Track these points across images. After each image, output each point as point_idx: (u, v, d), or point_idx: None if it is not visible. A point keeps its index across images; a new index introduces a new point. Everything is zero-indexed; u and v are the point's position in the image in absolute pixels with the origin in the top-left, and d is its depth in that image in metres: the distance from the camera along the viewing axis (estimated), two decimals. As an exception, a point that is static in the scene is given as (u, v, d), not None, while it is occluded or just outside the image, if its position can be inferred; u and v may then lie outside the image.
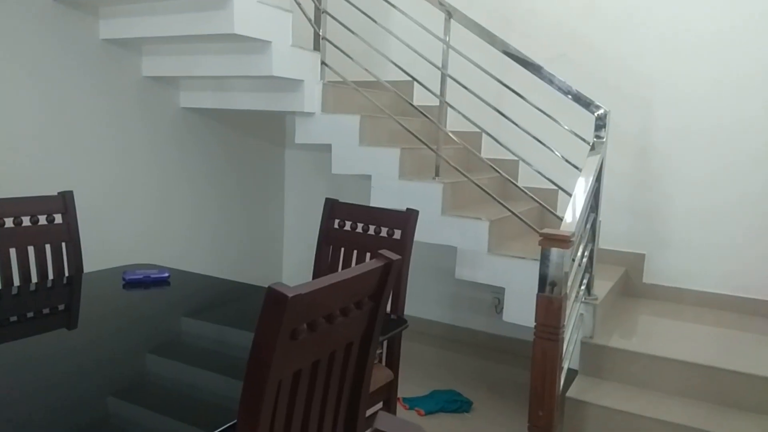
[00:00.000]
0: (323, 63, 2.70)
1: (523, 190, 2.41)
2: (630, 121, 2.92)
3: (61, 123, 2.47)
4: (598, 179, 2.20)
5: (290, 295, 0.84)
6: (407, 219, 1.91)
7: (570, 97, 2.25)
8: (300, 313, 0.90)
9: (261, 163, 3.64)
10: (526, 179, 3.07)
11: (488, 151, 3.17)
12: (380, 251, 1.18)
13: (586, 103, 2.19)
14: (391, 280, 1.18)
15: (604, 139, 2.19)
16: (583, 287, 2.22)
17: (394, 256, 1.17)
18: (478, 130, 2.69)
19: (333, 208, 2.10)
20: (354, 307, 1.09)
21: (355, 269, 1.07)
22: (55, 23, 2.39)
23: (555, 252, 1.71)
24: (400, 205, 2.52)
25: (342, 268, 2.07)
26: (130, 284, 1.77)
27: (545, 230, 1.72)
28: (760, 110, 2.67)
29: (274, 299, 0.84)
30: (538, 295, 1.74)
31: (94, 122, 2.61)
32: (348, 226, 2.07)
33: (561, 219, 1.93)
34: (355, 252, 2.03)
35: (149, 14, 2.40)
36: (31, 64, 2.33)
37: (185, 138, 3.09)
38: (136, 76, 2.78)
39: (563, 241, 1.69)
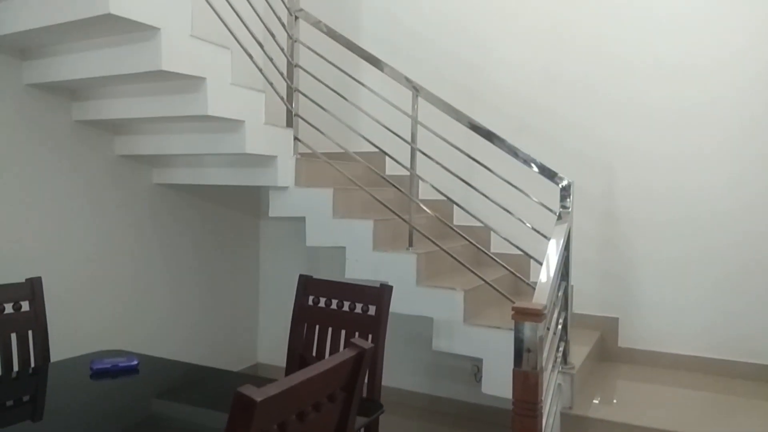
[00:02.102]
0: (296, 138, 2.76)
1: (494, 259, 2.44)
2: (594, 185, 3.02)
3: (31, 205, 2.45)
4: (567, 247, 2.25)
5: (258, 399, 0.83)
6: (381, 295, 1.91)
7: (535, 169, 2.33)
8: (270, 414, 0.89)
9: (235, 236, 3.63)
10: (498, 244, 3.12)
11: (461, 217, 3.23)
12: (352, 340, 1.18)
13: (550, 175, 2.27)
14: (364, 369, 1.17)
15: (570, 209, 2.26)
16: (559, 356, 2.22)
17: (366, 345, 1.17)
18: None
19: (307, 285, 2.10)
20: (327, 400, 1.07)
21: (326, 362, 1.06)
22: (27, 106, 2.42)
23: (528, 325, 1.73)
24: (375, 277, 2.53)
25: (317, 347, 2.05)
26: (98, 374, 1.72)
27: (517, 304, 1.74)
28: (718, 171, 2.79)
29: (242, 404, 0.83)
30: (514, 370, 1.74)
31: (65, 203, 2.60)
32: (322, 302, 2.07)
33: (533, 287, 1.96)
34: (330, 329, 2.01)
35: (123, 96, 2.45)
36: (2, 145, 2.34)
37: (158, 214, 3.08)
38: (110, 155, 2.80)
39: (536, 315, 1.71)
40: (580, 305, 3.02)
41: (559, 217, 2.25)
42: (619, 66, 2.97)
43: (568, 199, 2.26)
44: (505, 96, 3.21)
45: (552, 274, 1.97)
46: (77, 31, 2.06)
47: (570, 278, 2.35)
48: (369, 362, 1.18)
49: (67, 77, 2.27)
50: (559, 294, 2.27)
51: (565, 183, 2.26)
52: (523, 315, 1.73)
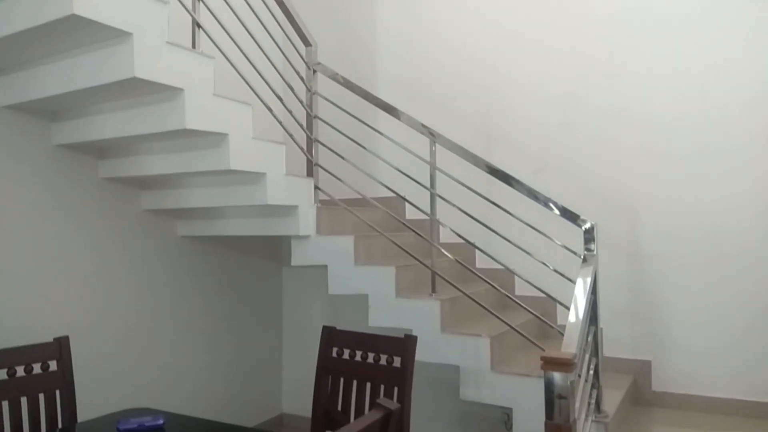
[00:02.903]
0: (316, 187, 2.79)
1: (519, 304, 2.40)
2: (617, 225, 2.98)
3: (60, 262, 2.50)
4: (594, 291, 2.21)
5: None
6: (406, 346, 1.89)
7: (556, 211, 2.32)
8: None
9: (258, 284, 3.64)
10: (523, 286, 3.07)
11: (484, 259, 3.20)
12: (378, 400, 1.16)
13: (572, 218, 2.26)
14: (391, 430, 1.15)
15: (595, 252, 2.23)
16: (592, 403, 2.15)
17: (393, 405, 1.15)
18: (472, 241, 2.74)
19: (331, 336, 2.09)
20: (355, 466, 1.05)
21: (353, 426, 1.05)
22: (56, 165, 2.50)
23: (558, 375, 1.68)
24: (399, 324, 2.50)
25: (342, 401, 2.02)
26: (124, 434, 1.71)
27: (546, 354, 1.70)
28: (745, 210, 2.74)
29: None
30: (546, 422, 1.69)
31: (93, 259, 2.64)
32: (346, 353, 2.05)
33: (561, 332, 1.92)
34: (355, 382, 1.99)
35: (149, 154, 2.51)
36: (29, 204, 2.41)
37: (183, 265, 3.12)
38: (136, 210, 2.86)
39: (566, 365, 1.67)
40: (610, 348, 2.94)
41: (584, 260, 2.21)
42: (641, 111, 2.96)
43: (592, 242, 2.23)
44: (523, 137, 3.23)
45: (580, 319, 1.93)
46: (104, 94, 2.13)
47: (599, 321, 2.30)
48: (396, 423, 1.16)
49: (95, 137, 2.34)
50: (589, 339, 2.22)
51: (588, 226, 2.23)
52: (552, 365, 1.68)
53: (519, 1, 3.26)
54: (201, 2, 2.24)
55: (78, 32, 1.86)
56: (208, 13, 2.29)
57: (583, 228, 2.24)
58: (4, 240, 2.31)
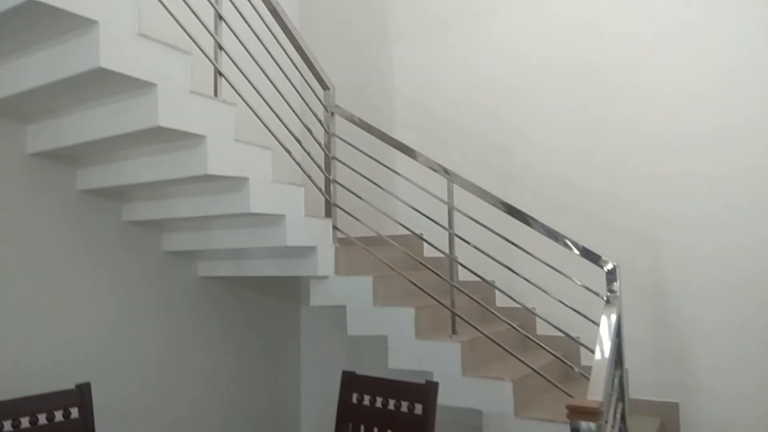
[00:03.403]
0: (335, 227, 2.80)
1: (541, 346, 2.36)
2: (638, 261, 2.94)
3: (80, 306, 2.53)
4: (619, 333, 2.17)
5: None
6: (427, 393, 1.86)
7: (577, 252, 2.30)
8: None
9: (275, 324, 3.64)
10: (545, 325, 3.02)
11: (505, 298, 3.16)
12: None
13: (594, 259, 2.23)
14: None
15: (618, 293, 2.19)
16: (619, 450, 2.09)
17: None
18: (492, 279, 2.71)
19: (351, 382, 2.07)
20: None
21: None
22: (81, 211, 2.55)
23: (585, 424, 1.64)
24: (419, 367, 2.47)
25: (363, 448, 1.99)
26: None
27: (572, 402, 1.66)
28: (769, 246, 2.69)
29: None
30: (573, 474, 1.64)
31: (113, 302, 2.67)
32: (367, 400, 2.02)
33: (586, 377, 1.88)
34: (376, 429, 1.96)
35: (171, 198, 2.55)
36: (54, 248, 2.45)
37: (202, 305, 3.13)
38: (156, 252, 2.89)
39: (592, 414, 1.63)
40: (636, 389, 2.86)
41: (608, 302, 2.18)
42: (654, 139, 2.95)
43: (614, 283, 2.20)
44: (539, 175, 3.23)
45: (606, 364, 1.89)
46: (128, 141, 2.18)
47: (624, 363, 2.25)
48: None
49: (119, 183, 2.39)
50: (615, 382, 2.17)
51: (610, 267, 2.21)
52: (579, 413, 1.64)
53: (534, 43, 3.30)
54: (222, 51, 2.31)
55: (104, 84, 1.92)
56: (230, 61, 2.34)
57: (605, 269, 2.21)
58: (29, 284, 2.35)
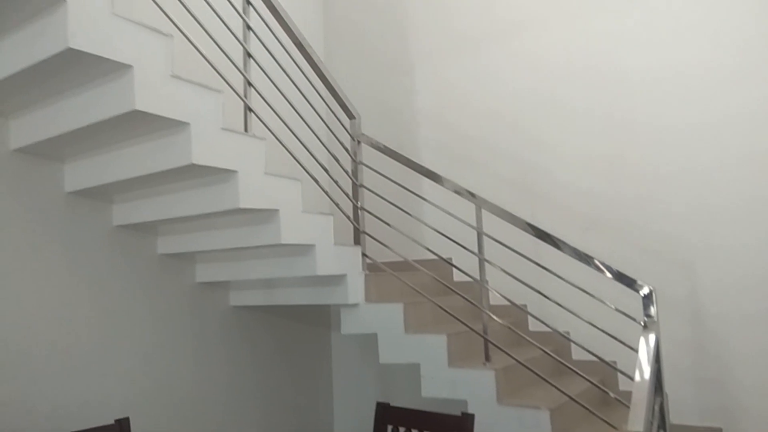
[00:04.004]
0: (364, 255, 2.81)
1: (577, 372, 2.32)
2: (675, 283, 2.88)
3: (117, 340, 2.58)
4: (658, 359, 2.12)
5: None
6: (464, 425, 1.84)
7: (610, 275, 2.26)
8: None
9: (308, 352, 3.64)
10: (582, 350, 2.96)
11: (538, 322, 3.12)
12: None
13: (629, 283, 2.20)
14: None
15: (655, 318, 2.15)
16: (663, 481, 2.03)
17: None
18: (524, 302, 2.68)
19: (385, 413, 2.06)
20: None
21: None
22: (117, 243, 2.61)
23: (628, 457, 1.60)
24: (453, 395, 2.44)
25: (400, 481, 1.97)
26: None
27: (613, 434, 1.62)
28: (811, 264, 2.61)
29: None
30: None
31: (150, 335, 2.71)
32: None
33: (626, 405, 1.83)
34: (413, 462, 1.94)
35: (204, 230, 2.60)
36: (92, 284, 2.51)
37: (233, 334, 3.16)
38: (190, 283, 2.94)
39: (635, 445, 1.58)
40: (677, 415, 2.78)
41: (645, 327, 2.14)
42: (686, 160, 2.91)
43: (651, 307, 2.16)
44: (569, 194, 3.19)
45: (646, 392, 1.84)
46: (163, 178, 2.23)
47: (664, 389, 2.19)
48: None
49: (154, 218, 2.45)
50: (655, 409, 2.11)
51: (646, 291, 2.17)
52: (620, 446, 1.60)
53: (555, 66, 3.30)
54: (252, 88, 2.36)
55: (139, 125, 1.98)
56: (258, 96, 2.39)
57: (641, 293, 2.17)
58: (68, 321, 2.40)
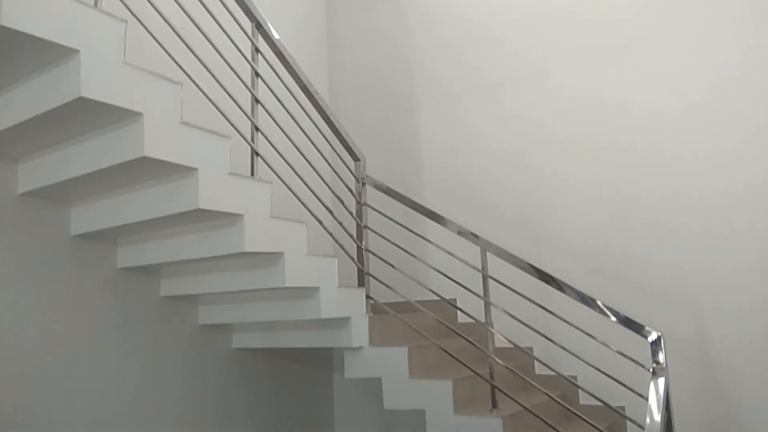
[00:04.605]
0: (368, 297, 2.79)
1: (586, 420, 2.27)
2: (682, 327, 2.84)
3: (117, 381, 2.54)
4: (668, 407, 2.08)
5: None
6: (472, 477, 1.79)
7: (614, 319, 2.24)
8: None
9: (309, 395, 3.58)
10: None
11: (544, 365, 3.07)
12: None
13: (637, 329, 2.17)
14: None
15: (664, 364, 2.12)
16: None
17: None
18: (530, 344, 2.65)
19: (391, 463, 2.00)
20: None
21: None
22: (120, 288, 2.60)
23: None
24: (459, 443, 2.39)
25: None
26: None
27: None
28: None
29: None
30: None
31: (150, 378, 2.67)
32: (408, 482, 1.95)
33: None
34: None
35: (206, 273, 2.59)
36: (92, 326, 2.49)
37: (235, 376, 3.11)
38: (193, 325, 2.91)
39: (648, 501, 1.54)
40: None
41: (654, 374, 2.10)
42: (690, 200, 2.92)
43: (660, 353, 2.13)
44: (574, 236, 3.19)
45: (657, 443, 1.80)
46: (169, 222, 2.24)
47: (675, 436, 2.15)
48: None
49: (159, 260, 2.45)
50: (667, 459, 2.06)
51: (654, 337, 2.15)
52: (634, 502, 1.56)
53: (559, 105, 3.34)
54: (259, 132, 2.39)
55: (148, 170, 2.00)
56: (265, 140, 2.42)
57: (650, 339, 2.15)
58: (71, 363, 2.37)
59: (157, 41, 2.00)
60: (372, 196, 3.03)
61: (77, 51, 1.72)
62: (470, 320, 3.10)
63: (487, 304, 2.57)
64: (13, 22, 1.58)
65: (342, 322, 2.69)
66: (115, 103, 1.79)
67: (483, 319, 2.59)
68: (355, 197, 2.97)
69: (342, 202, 2.83)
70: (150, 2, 2.03)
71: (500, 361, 2.50)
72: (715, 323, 2.79)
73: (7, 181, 2.25)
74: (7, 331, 2.21)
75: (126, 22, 1.86)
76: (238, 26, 2.40)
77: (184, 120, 1.98)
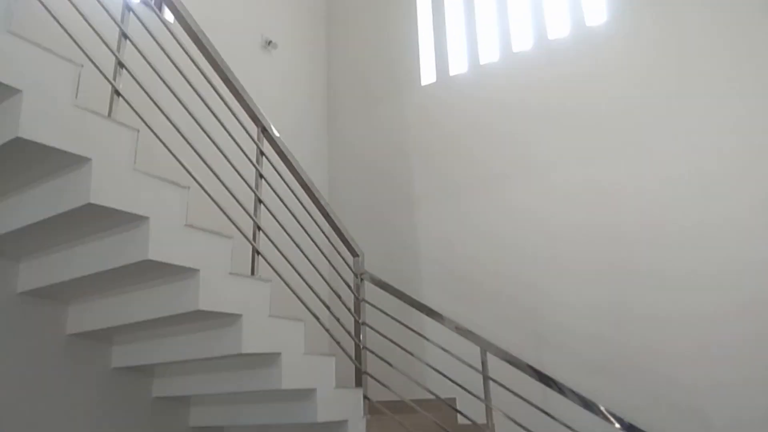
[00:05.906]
0: (366, 398, 2.72)
1: None
2: (686, 428, 2.77)
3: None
4: None
5: None
6: None
7: (621, 427, 2.19)
8: None
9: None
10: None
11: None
12: None
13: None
14: None
15: (674, 476, 2.05)
16: None
17: None
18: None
19: None
20: None
21: None
22: (112, 386, 2.52)
23: None
24: None
25: None
26: None
27: None
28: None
29: None
30: None
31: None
32: None
33: None
34: None
35: (201, 372, 2.53)
36: (85, 423, 2.40)
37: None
38: (183, 426, 2.80)
39: None
40: None
41: (663, 486, 2.03)
42: (690, 301, 2.93)
43: (668, 464, 2.06)
44: (573, 337, 3.17)
45: None
46: (168, 322, 2.22)
47: None
48: None
49: (154, 361, 2.40)
50: None
51: (661, 446, 2.08)
52: None
53: (557, 199, 3.42)
54: (261, 231, 2.42)
55: (150, 271, 2.01)
56: (266, 239, 2.45)
57: (656, 449, 2.09)
58: (52, 471, 2.26)
59: (167, 148, 2.07)
60: (370, 291, 3.03)
61: (89, 159, 1.78)
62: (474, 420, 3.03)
63: (489, 409, 2.51)
64: (31, 134, 1.65)
65: (339, 426, 2.59)
66: (124, 208, 1.83)
67: (484, 421, 2.52)
68: (353, 293, 2.96)
69: (340, 297, 2.82)
70: (161, 110, 2.11)
71: (503, 469, 2.40)
72: (721, 428, 2.72)
73: (7, 279, 2.25)
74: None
75: (138, 131, 1.94)
76: (244, 131, 2.50)
77: (189, 222, 2.02)
